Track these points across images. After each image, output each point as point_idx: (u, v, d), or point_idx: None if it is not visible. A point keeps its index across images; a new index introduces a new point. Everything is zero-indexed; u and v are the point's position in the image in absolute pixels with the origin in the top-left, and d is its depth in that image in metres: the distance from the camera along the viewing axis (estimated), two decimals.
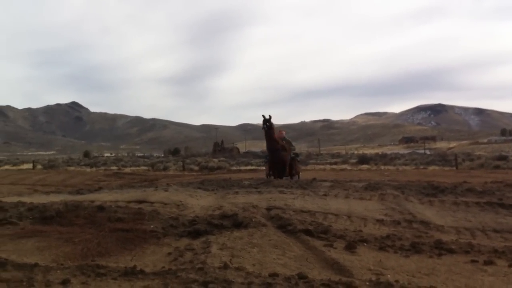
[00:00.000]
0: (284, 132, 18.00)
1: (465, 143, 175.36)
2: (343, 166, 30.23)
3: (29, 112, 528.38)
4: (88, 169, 32.69)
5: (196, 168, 30.01)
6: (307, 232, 5.27)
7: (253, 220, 5.85)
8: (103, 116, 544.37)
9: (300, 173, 18.36)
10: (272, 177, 16.44)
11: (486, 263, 4.18)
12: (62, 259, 4.31)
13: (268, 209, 6.92)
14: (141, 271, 3.72)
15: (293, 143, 18.55)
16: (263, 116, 15.57)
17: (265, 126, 15.52)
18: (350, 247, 4.68)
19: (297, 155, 18.88)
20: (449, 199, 8.15)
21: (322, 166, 30.60)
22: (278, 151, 15.69)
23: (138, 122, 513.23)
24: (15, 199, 8.78)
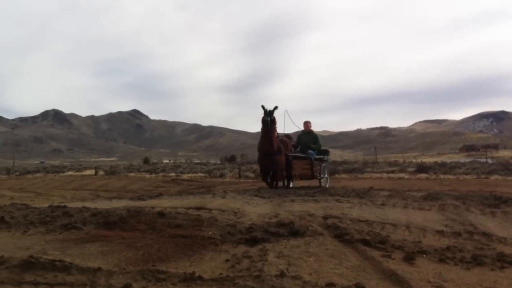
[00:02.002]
0: (310, 123, 15.03)
1: None
2: (401, 175, 29.59)
3: (92, 119, 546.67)
4: (148, 175, 33.39)
5: (252, 175, 30.15)
6: (365, 242, 5.22)
7: (310, 228, 5.86)
8: (163, 124, 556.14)
9: (328, 177, 15.46)
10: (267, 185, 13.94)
11: None
12: (124, 264, 4.44)
13: (325, 217, 6.89)
14: (200, 277, 3.79)
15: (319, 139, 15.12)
16: (263, 107, 12.17)
17: (268, 119, 12.16)
18: (409, 258, 4.61)
19: (325, 152, 15.51)
20: None
21: (378, 175, 30.06)
22: (271, 156, 12.55)
23: (196, 129, 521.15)
24: (79, 204, 9.12)
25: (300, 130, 15.11)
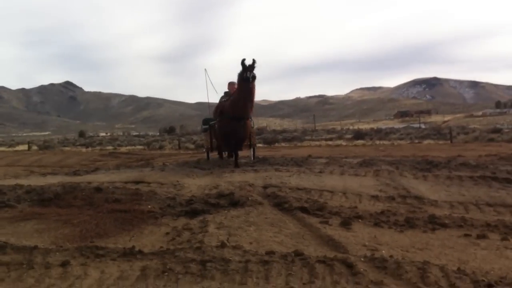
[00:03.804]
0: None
1: (460, 116, 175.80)
2: (339, 142, 30.21)
3: (23, 92, 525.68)
4: (84, 149, 32.57)
5: (192, 146, 29.97)
6: (303, 210, 5.34)
7: (250, 198, 5.92)
8: (97, 96, 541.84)
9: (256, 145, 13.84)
10: (219, 155, 13.29)
11: (479, 237, 4.26)
12: (61, 241, 4.36)
13: (264, 187, 6.98)
14: (140, 252, 3.76)
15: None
16: (243, 62, 10.02)
17: (249, 75, 10.01)
18: (345, 224, 4.75)
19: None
20: (443, 174, 8.22)
21: (317, 143, 30.56)
22: (243, 120, 10.80)
23: (133, 101, 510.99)
24: (12, 181, 8.82)
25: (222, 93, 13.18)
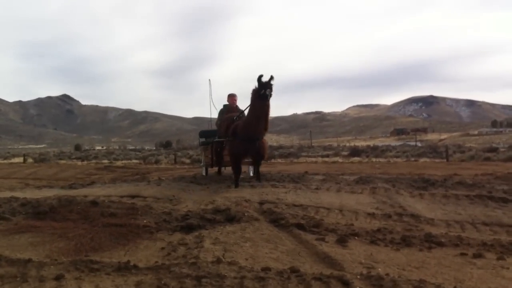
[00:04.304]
0: (236, 98, 12.21)
1: (456, 135, 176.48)
2: (335, 159, 30.26)
3: (20, 105, 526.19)
4: (79, 163, 32.50)
5: (188, 161, 29.95)
6: (299, 226, 5.32)
7: (246, 214, 5.90)
8: (94, 109, 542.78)
9: None
10: (218, 171, 12.69)
11: (475, 256, 4.25)
12: (56, 255, 4.33)
13: (261, 203, 6.97)
14: (135, 266, 3.74)
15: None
16: (259, 79, 8.97)
17: (268, 93, 8.99)
18: (342, 241, 4.74)
19: None
20: (440, 192, 8.22)
21: (314, 159, 30.62)
22: (257, 141, 9.74)
23: (130, 115, 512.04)
24: (7, 194, 8.78)
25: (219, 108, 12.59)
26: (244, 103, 12.79)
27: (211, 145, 12.40)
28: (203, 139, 13.09)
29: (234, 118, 10.57)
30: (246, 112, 10.19)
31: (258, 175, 10.83)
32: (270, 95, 9.10)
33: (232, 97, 11.95)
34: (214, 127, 12.68)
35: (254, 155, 10.16)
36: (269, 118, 9.85)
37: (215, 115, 12.49)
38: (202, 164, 13.83)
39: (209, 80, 12.20)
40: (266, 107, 9.30)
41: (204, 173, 13.15)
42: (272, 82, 9.10)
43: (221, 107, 12.43)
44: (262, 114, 9.41)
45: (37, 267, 3.72)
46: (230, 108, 11.79)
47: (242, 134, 9.75)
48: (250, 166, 12.42)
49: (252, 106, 9.50)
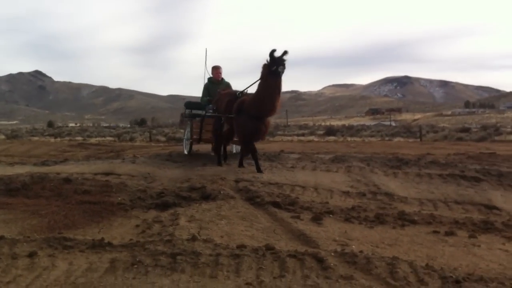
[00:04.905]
0: (221, 70, 11.56)
1: (430, 115, 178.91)
2: (310, 138, 30.39)
3: None
4: (53, 140, 32.02)
5: (163, 139, 29.75)
6: (275, 204, 5.34)
7: (222, 192, 5.89)
8: (67, 86, 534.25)
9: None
10: (216, 150, 10.40)
11: (447, 234, 4.33)
12: (29, 232, 4.28)
13: (236, 181, 6.95)
14: (109, 244, 3.71)
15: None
16: (272, 54, 8.30)
17: (280, 70, 8.34)
18: (317, 219, 4.77)
19: None
20: (413, 171, 8.31)
21: (289, 138, 30.67)
22: (264, 119, 9.05)
23: (104, 92, 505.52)
24: None
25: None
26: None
27: (201, 119, 11.40)
28: (189, 111, 11.74)
29: (237, 94, 9.80)
30: (249, 89, 9.58)
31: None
32: (283, 72, 8.48)
33: (216, 69, 11.40)
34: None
35: (261, 135, 9.48)
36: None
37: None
38: (185, 137, 12.45)
39: (206, 49, 11.61)
40: (279, 84, 8.69)
41: (186, 150, 11.99)
42: (285, 57, 8.51)
43: (206, 81, 11.68)
44: (275, 91, 8.74)
45: (10, 244, 3.67)
46: (214, 80, 11.33)
47: (253, 112, 9.05)
48: (234, 145, 12.09)
49: (265, 82, 8.85)
